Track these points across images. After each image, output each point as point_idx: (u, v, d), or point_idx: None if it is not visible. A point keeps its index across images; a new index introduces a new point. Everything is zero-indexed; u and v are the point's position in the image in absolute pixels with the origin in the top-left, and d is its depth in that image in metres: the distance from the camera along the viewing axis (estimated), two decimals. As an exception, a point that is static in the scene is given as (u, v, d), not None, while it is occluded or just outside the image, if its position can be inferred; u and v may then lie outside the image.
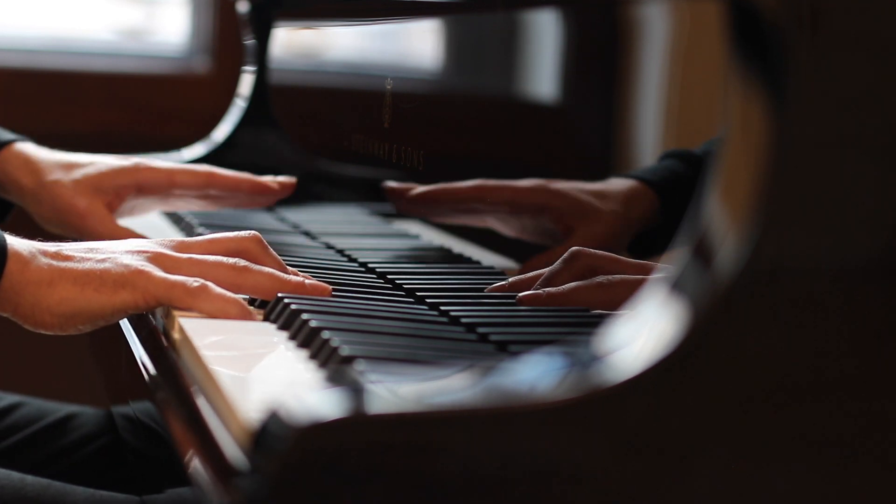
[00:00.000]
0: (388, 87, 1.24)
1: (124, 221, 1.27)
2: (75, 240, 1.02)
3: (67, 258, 0.93)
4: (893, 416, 0.67)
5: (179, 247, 0.97)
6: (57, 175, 1.25)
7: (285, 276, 0.96)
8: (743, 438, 0.65)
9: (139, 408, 0.96)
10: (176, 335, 0.89)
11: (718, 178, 0.66)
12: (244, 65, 1.65)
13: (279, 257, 0.99)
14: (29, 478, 1.05)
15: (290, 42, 1.62)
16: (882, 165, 0.66)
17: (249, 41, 1.65)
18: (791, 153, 0.65)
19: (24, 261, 0.92)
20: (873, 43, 0.66)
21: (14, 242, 0.93)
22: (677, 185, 0.86)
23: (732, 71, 0.67)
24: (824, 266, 0.66)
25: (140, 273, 0.92)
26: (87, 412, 1.31)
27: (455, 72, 1.23)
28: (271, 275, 0.95)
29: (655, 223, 0.91)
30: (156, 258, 0.94)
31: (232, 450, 0.68)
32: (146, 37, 2.35)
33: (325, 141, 1.47)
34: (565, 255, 0.93)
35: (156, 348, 0.91)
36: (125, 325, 1.00)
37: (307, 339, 0.84)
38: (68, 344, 1.77)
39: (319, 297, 0.95)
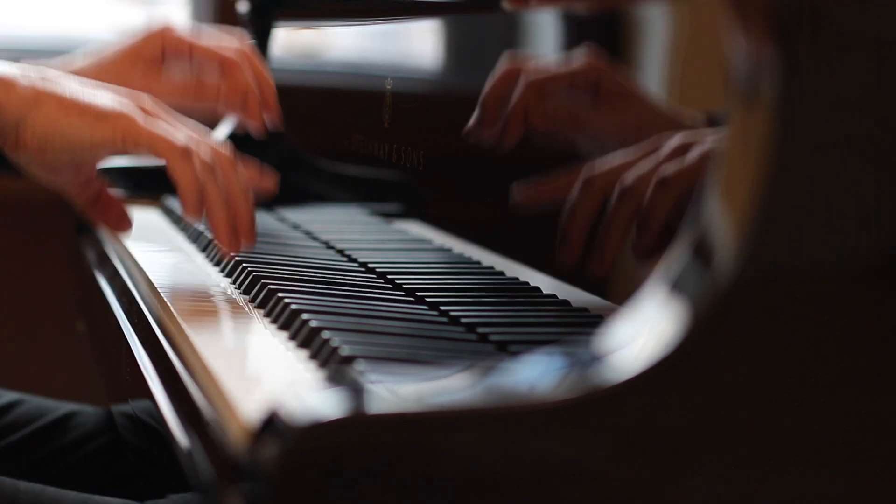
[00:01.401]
0: (388, 87, 1.24)
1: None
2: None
3: (52, 81, 0.94)
4: (893, 417, 0.67)
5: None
6: (86, 61, 1.20)
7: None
8: (743, 438, 0.65)
9: (139, 406, 0.96)
10: (176, 334, 0.89)
11: (718, 178, 0.66)
12: (244, 65, 1.65)
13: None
14: (22, 484, 1.05)
15: (290, 42, 1.62)
16: (881, 166, 0.66)
17: (249, 41, 1.65)
18: (791, 153, 0.65)
19: (9, 82, 0.93)
20: (873, 43, 0.66)
21: None
22: None
23: (732, 70, 0.67)
24: (824, 266, 0.66)
25: (123, 113, 0.93)
26: (86, 410, 1.31)
27: (455, 72, 1.23)
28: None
29: None
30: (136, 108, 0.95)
31: (232, 450, 0.68)
32: (146, 37, 2.35)
33: (325, 141, 1.47)
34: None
35: (156, 348, 0.91)
36: (125, 324, 1.00)
37: (307, 339, 0.84)
38: (68, 342, 1.77)
39: (319, 297, 0.95)
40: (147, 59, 1.20)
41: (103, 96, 0.95)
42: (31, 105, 0.92)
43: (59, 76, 0.96)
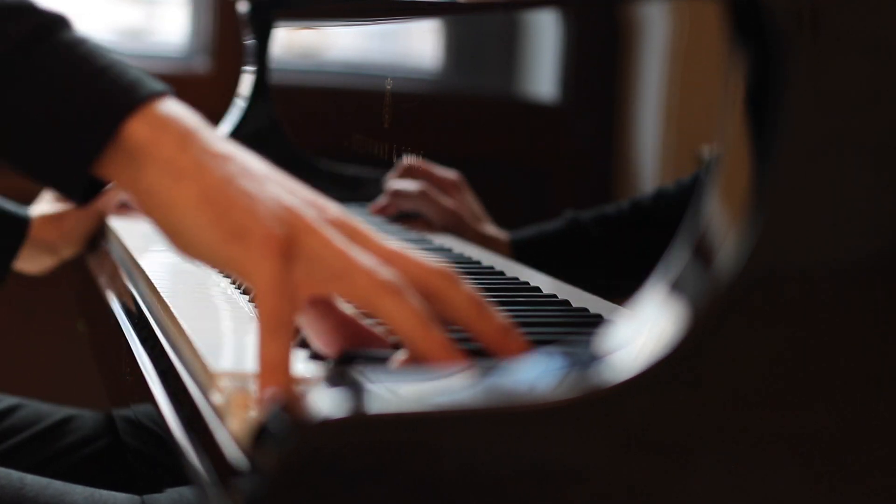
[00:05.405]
0: (388, 87, 1.24)
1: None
2: None
3: (211, 153, 0.73)
4: (893, 417, 0.67)
5: (346, 230, 0.75)
6: None
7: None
8: (742, 438, 0.65)
9: (140, 410, 0.96)
10: (176, 335, 0.89)
11: (718, 178, 0.66)
12: (244, 65, 1.65)
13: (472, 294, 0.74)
14: (28, 477, 1.05)
15: (290, 42, 1.62)
16: (881, 166, 0.66)
17: (249, 41, 1.65)
18: (791, 154, 0.65)
19: (187, 139, 0.72)
20: (873, 43, 0.66)
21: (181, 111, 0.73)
22: (540, 247, 0.97)
23: (732, 71, 0.67)
24: (824, 266, 0.66)
25: (265, 237, 0.69)
26: (85, 414, 1.32)
27: (455, 72, 1.23)
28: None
29: None
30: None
31: (232, 449, 0.68)
32: (146, 37, 2.36)
33: (325, 141, 1.47)
34: None
35: (156, 349, 0.91)
36: (125, 324, 1.00)
37: (307, 339, 0.84)
38: (68, 347, 1.76)
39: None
40: None
41: (265, 197, 0.71)
42: (170, 178, 0.71)
43: (224, 148, 0.74)
